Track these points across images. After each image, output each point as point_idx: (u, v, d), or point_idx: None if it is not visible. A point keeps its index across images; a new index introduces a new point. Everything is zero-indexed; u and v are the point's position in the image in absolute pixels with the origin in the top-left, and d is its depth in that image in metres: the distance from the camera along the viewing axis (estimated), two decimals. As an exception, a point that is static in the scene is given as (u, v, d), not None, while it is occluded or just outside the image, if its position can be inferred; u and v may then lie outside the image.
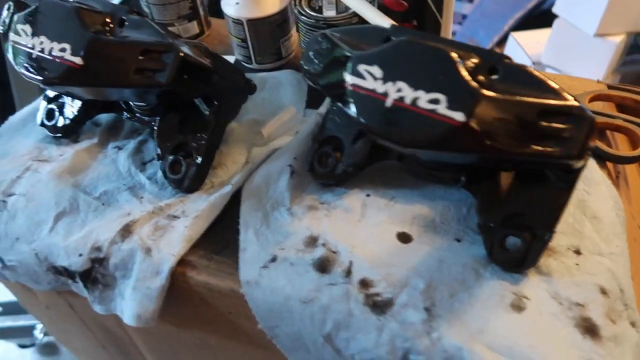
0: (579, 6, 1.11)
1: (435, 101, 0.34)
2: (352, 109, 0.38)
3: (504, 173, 0.42)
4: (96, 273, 0.45)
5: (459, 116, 0.33)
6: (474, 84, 0.33)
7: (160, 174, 0.51)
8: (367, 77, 0.37)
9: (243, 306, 0.42)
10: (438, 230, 0.45)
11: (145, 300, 0.43)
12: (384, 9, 0.53)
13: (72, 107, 0.54)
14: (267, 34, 0.60)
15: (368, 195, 0.48)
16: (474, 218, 0.45)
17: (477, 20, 1.54)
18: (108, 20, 0.43)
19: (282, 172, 0.49)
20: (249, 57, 0.63)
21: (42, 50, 0.42)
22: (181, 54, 0.41)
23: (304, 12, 0.55)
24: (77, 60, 0.41)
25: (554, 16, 1.25)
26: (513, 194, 0.41)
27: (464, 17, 1.62)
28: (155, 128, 0.52)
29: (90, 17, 0.43)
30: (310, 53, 0.43)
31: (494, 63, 0.35)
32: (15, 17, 0.44)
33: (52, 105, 0.55)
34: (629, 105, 0.53)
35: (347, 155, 0.47)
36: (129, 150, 0.54)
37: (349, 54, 0.39)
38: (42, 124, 0.55)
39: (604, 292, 0.40)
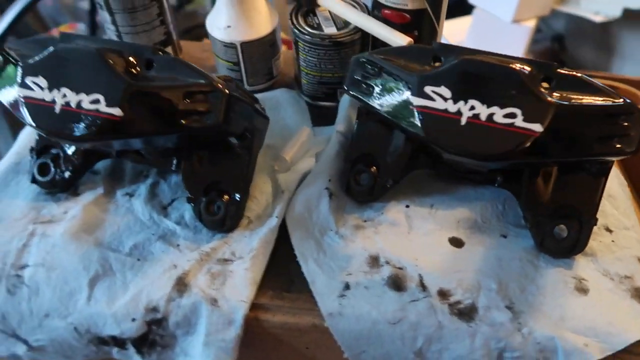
0: (495, -4, 1.21)
1: (511, 115, 0.36)
2: (418, 128, 0.39)
3: (544, 168, 0.45)
4: (154, 336, 0.42)
5: (536, 127, 0.36)
6: (544, 95, 0.36)
7: (187, 216, 0.48)
8: (436, 98, 0.38)
9: (325, 339, 0.41)
10: (483, 230, 0.47)
11: (221, 353, 0.41)
12: (384, 22, 0.54)
13: (69, 158, 0.49)
14: (261, 55, 0.59)
15: (407, 206, 0.49)
16: (510, 213, 0.48)
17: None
18: (133, 61, 0.39)
19: (320, 196, 0.48)
20: (239, 80, 0.61)
21: (67, 104, 0.37)
22: (227, 91, 0.39)
23: (304, 31, 0.54)
24: (116, 111, 0.37)
25: (469, 5, 1.35)
26: (555, 186, 0.44)
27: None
28: (173, 169, 0.49)
29: (116, 60, 0.38)
30: (356, 76, 0.43)
31: (547, 72, 0.38)
32: (20, 70, 0.39)
33: (44, 159, 0.49)
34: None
35: (385, 171, 0.48)
36: (143, 195, 0.50)
37: (406, 77, 0.39)
38: (34, 181, 0.49)
39: (640, 261, 0.45)
